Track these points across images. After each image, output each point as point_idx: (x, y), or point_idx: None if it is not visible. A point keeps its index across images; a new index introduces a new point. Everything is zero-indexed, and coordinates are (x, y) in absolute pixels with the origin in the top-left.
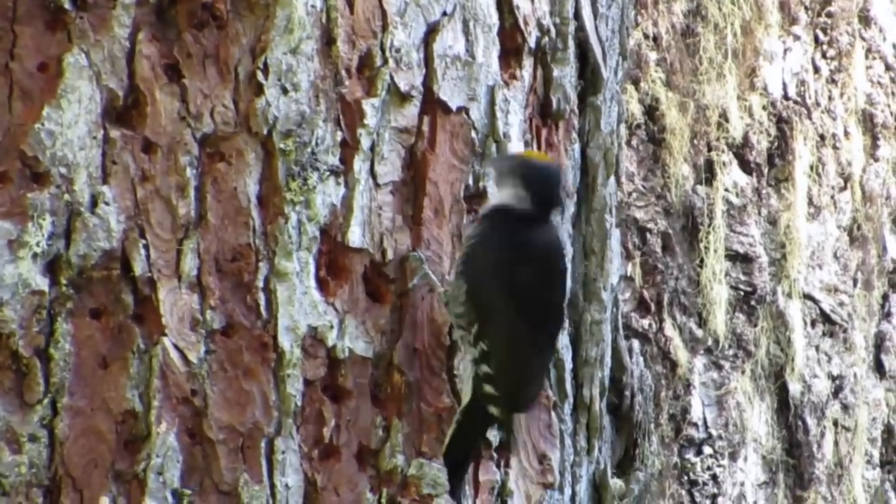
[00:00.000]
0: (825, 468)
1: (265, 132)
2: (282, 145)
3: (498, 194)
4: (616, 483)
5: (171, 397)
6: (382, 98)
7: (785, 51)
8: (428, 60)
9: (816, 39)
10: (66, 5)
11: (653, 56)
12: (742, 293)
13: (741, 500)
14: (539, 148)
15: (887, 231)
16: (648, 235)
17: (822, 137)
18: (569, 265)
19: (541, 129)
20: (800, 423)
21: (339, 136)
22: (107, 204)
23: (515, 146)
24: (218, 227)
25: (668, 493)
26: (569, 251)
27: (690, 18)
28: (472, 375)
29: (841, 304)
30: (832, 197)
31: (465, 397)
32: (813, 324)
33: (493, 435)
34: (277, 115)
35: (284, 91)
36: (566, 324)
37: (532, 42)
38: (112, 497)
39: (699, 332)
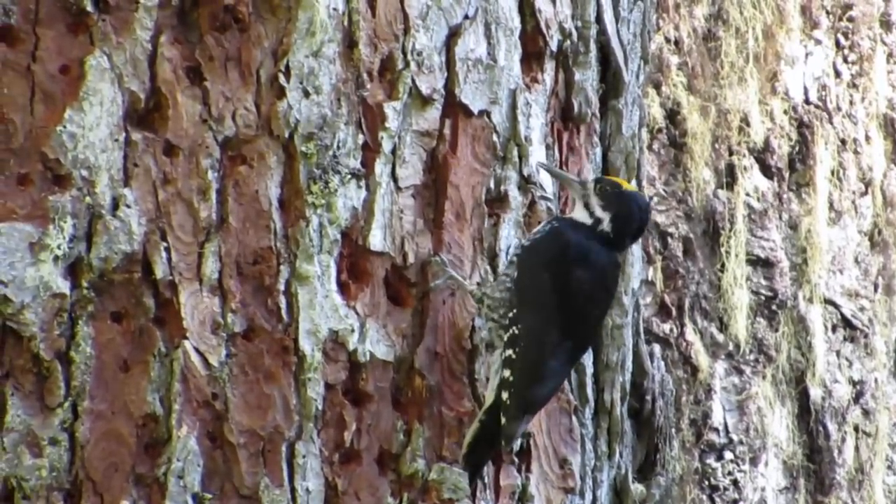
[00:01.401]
0: (846, 473)
1: (287, 135)
2: (303, 148)
3: (577, 209)
4: (637, 488)
5: (192, 401)
6: (404, 101)
7: (806, 55)
8: (450, 64)
9: (838, 44)
10: (89, 8)
11: (674, 60)
12: (763, 298)
13: None
14: (561, 152)
15: None
16: (670, 240)
17: (843, 142)
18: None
19: (562, 132)
20: (820, 428)
21: (360, 139)
22: (128, 206)
23: (537, 150)
24: (239, 230)
25: (689, 498)
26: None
27: (712, 22)
28: (499, 360)
29: (862, 308)
30: (853, 202)
31: (490, 397)
32: (834, 329)
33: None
34: (299, 118)
35: (306, 94)
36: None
37: (554, 45)
38: (132, 501)
39: (720, 337)
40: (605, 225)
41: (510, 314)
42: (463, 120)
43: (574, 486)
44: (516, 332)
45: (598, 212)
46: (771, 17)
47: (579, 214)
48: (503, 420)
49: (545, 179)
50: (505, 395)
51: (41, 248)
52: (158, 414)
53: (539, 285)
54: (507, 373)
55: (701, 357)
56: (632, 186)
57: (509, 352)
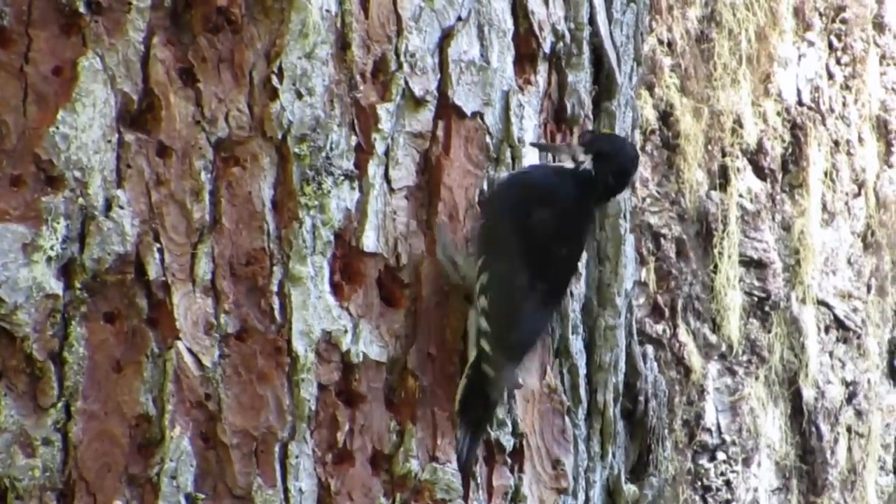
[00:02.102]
0: (839, 474)
1: (280, 136)
2: (296, 150)
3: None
4: (630, 488)
5: (185, 401)
6: (397, 103)
7: (799, 57)
8: (443, 65)
9: (831, 45)
10: (81, 9)
11: (667, 61)
12: (756, 299)
13: None
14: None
15: None
16: (662, 241)
17: (836, 143)
18: (592, 228)
19: (555, 134)
20: (813, 429)
21: (353, 140)
22: (121, 208)
23: (530, 151)
24: (232, 231)
25: (681, 499)
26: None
27: (705, 24)
28: (475, 315)
29: (855, 310)
30: (846, 203)
31: (472, 350)
32: (827, 330)
33: (507, 440)
34: (292, 120)
35: (299, 95)
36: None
37: (547, 47)
38: (125, 501)
39: (713, 338)
40: (588, 164)
41: (479, 262)
42: (456, 121)
43: (567, 486)
44: (485, 281)
45: (580, 156)
46: (764, 19)
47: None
48: (489, 371)
49: None
50: (485, 345)
51: (34, 249)
52: (151, 414)
53: (502, 229)
54: (483, 322)
55: (694, 358)
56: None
57: (482, 300)
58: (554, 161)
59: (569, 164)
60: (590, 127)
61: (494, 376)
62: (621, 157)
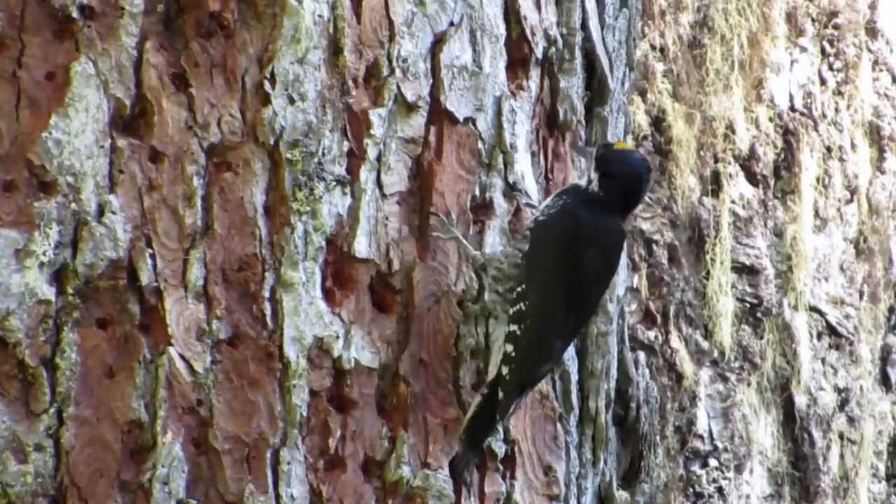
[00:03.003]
0: (831, 481)
1: (272, 142)
2: (288, 155)
3: (583, 177)
4: (622, 495)
5: (177, 407)
6: (389, 108)
7: (792, 62)
8: (435, 70)
9: (823, 51)
10: (74, 14)
11: (660, 67)
12: (748, 305)
13: None
14: (546, 159)
15: (893, 244)
16: (655, 247)
17: (828, 149)
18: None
19: (548, 139)
20: (805, 435)
21: (345, 145)
22: (113, 213)
23: (522, 157)
24: (224, 236)
25: None
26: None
27: (697, 30)
28: (502, 335)
29: (847, 316)
30: (838, 209)
31: (492, 371)
32: (819, 336)
33: (499, 447)
34: (284, 125)
35: (291, 101)
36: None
37: (539, 52)
38: None
39: (705, 345)
40: (594, 185)
41: (518, 289)
42: (448, 127)
43: (559, 493)
44: (523, 308)
45: (591, 173)
46: (756, 25)
47: (582, 179)
48: (500, 394)
49: (530, 186)
50: (505, 371)
51: (26, 255)
52: (143, 420)
53: (550, 263)
54: (509, 348)
55: (686, 364)
56: (628, 146)
57: (514, 327)
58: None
59: (584, 179)
60: (582, 133)
61: (505, 401)
62: (628, 176)
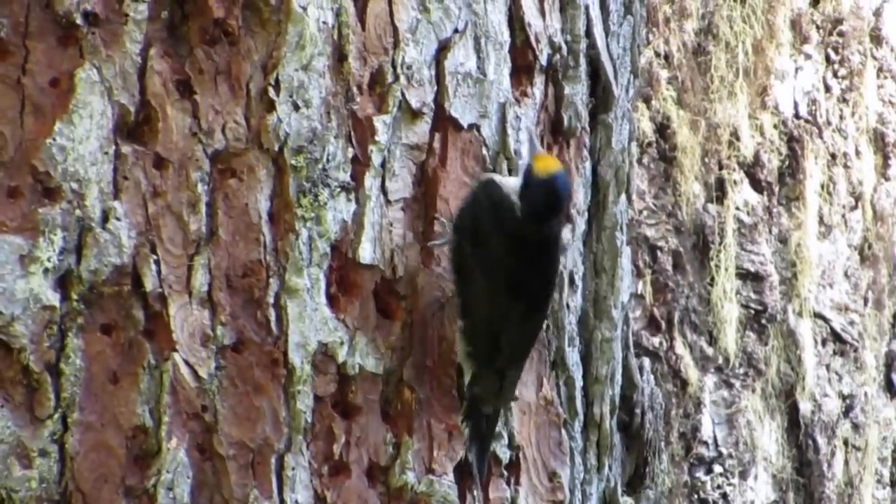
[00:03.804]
0: (835, 487)
1: (276, 148)
2: (293, 161)
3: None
4: (626, 501)
5: (182, 413)
6: (393, 115)
7: (796, 69)
8: (439, 77)
9: (828, 58)
10: (78, 21)
11: (664, 74)
12: (753, 312)
13: None
14: None
15: None
16: (659, 253)
17: (833, 156)
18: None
19: (552, 146)
20: (810, 442)
21: (350, 152)
22: (118, 219)
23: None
24: (229, 242)
25: None
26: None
27: (702, 37)
28: (459, 336)
29: (851, 322)
30: (843, 216)
31: (466, 371)
32: (823, 343)
33: (503, 452)
34: (289, 132)
35: (296, 107)
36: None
37: (543, 59)
38: None
39: (710, 351)
40: (516, 199)
41: (456, 285)
42: (452, 133)
43: (563, 499)
44: (458, 303)
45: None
46: (761, 32)
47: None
48: (477, 391)
49: None
50: (472, 366)
51: (31, 261)
52: (148, 426)
53: (467, 250)
54: (464, 345)
55: (690, 370)
56: (554, 167)
57: (460, 322)
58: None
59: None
60: (586, 140)
61: (482, 394)
62: (538, 201)
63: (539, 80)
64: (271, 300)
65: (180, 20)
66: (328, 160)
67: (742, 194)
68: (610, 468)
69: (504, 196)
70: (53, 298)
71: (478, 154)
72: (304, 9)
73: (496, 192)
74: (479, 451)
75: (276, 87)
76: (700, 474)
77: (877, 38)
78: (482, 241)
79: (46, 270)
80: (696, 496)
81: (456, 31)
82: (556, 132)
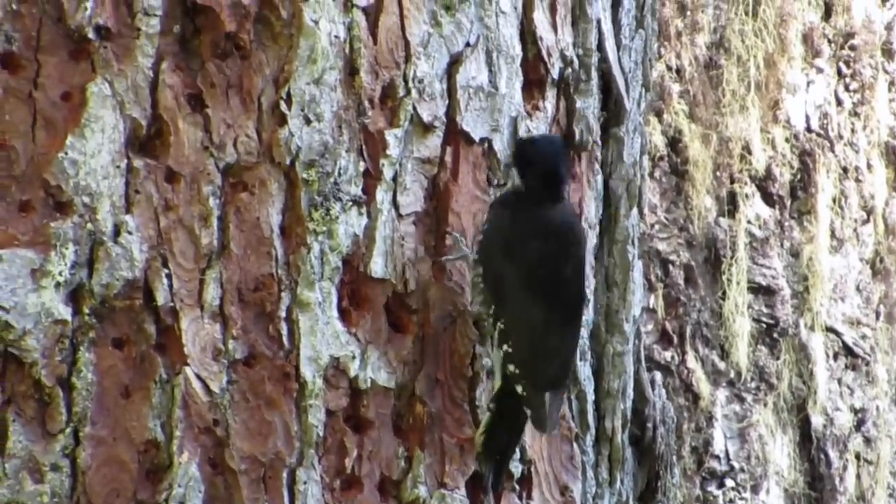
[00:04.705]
0: (847, 501)
1: (288, 162)
2: (304, 175)
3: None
4: None
5: (194, 427)
6: (405, 128)
7: (808, 83)
8: (451, 91)
9: (839, 72)
10: (90, 35)
11: (676, 88)
12: (764, 326)
13: None
14: None
15: None
16: (671, 267)
17: (844, 170)
18: (586, 238)
19: None
20: (822, 455)
21: (361, 166)
22: (130, 233)
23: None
24: (240, 256)
25: None
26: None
27: (714, 51)
28: (499, 358)
29: (863, 336)
30: (855, 230)
31: (497, 382)
32: (835, 356)
33: (515, 466)
34: (300, 145)
35: (307, 121)
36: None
37: (555, 73)
38: None
39: (721, 365)
40: (516, 179)
41: (491, 311)
42: (464, 147)
43: None
44: (502, 327)
45: (514, 176)
46: (773, 46)
47: (511, 183)
48: (521, 390)
49: None
50: (520, 389)
51: (43, 275)
52: (160, 440)
53: (502, 272)
54: (511, 368)
55: (702, 384)
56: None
57: (505, 348)
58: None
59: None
60: (598, 153)
61: (537, 415)
62: (539, 158)
63: (551, 93)
64: (283, 314)
65: (192, 34)
66: (340, 174)
67: (754, 208)
68: (622, 482)
69: (510, 197)
70: (65, 312)
71: (490, 168)
72: (316, 23)
73: (506, 200)
74: (497, 466)
75: (288, 100)
76: (712, 488)
77: (888, 52)
78: (511, 253)
79: (58, 284)
80: None
81: (468, 44)
82: (567, 146)
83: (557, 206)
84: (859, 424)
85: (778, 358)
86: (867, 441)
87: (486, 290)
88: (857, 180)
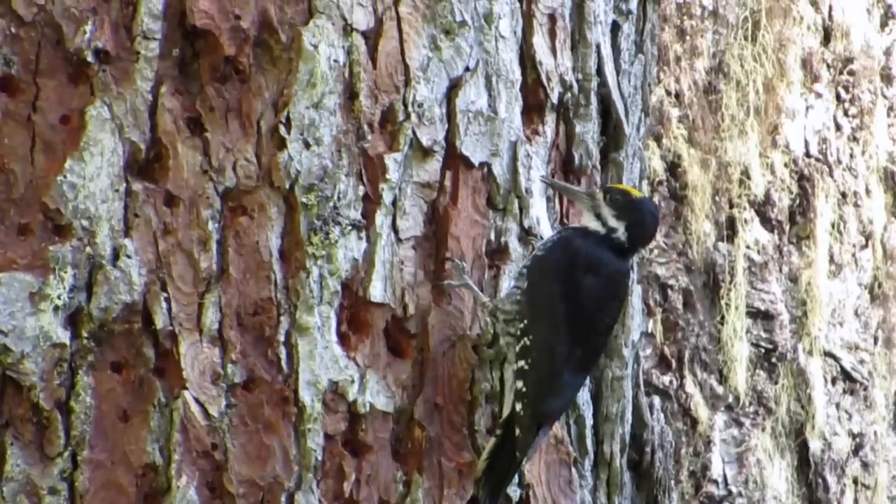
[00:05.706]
0: None
1: (287, 186)
2: (304, 199)
3: (587, 219)
4: None
5: (192, 451)
6: (405, 153)
7: (807, 108)
8: (450, 115)
9: (838, 97)
10: (89, 58)
11: (675, 112)
12: (763, 350)
13: None
14: (561, 204)
15: None
16: (670, 292)
17: (843, 195)
18: (631, 297)
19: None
20: (820, 480)
21: (361, 190)
22: (128, 257)
23: (537, 202)
24: (240, 280)
25: None
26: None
27: (713, 75)
28: (511, 372)
29: (861, 361)
30: (853, 255)
31: (506, 409)
32: (833, 381)
33: (513, 491)
34: (300, 170)
35: (307, 145)
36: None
37: (555, 98)
38: None
39: (720, 389)
40: (621, 234)
41: (521, 325)
42: (463, 171)
43: None
44: (528, 343)
45: (612, 222)
46: (772, 71)
47: (591, 224)
48: (517, 431)
49: (545, 231)
50: (519, 407)
51: (41, 298)
52: (158, 464)
53: (549, 295)
54: (520, 384)
55: (700, 409)
56: (639, 192)
57: (521, 363)
58: (561, 200)
59: (593, 223)
60: (597, 178)
61: (523, 438)
62: (649, 225)
63: (550, 118)
64: (282, 338)
65: (191, 58)
66: (339, 198)
67: (752, 233)
68: None
69: (588, 232)
70: (63, 336)
71: (489, 192)
72: (315, 47)
73: (584, 231)
74: (493, 494)
75: (287, 124)
76: None
77: (887, 77)
78: (568, 279)
79: (56, 308)
80: None
81: (467, 69)
82: (567, 170)
83: (625, 260)
84: (857, 449)
85: (776, 382)
86: (865, 466)
87: (525, 303)
88: (856, 205)
